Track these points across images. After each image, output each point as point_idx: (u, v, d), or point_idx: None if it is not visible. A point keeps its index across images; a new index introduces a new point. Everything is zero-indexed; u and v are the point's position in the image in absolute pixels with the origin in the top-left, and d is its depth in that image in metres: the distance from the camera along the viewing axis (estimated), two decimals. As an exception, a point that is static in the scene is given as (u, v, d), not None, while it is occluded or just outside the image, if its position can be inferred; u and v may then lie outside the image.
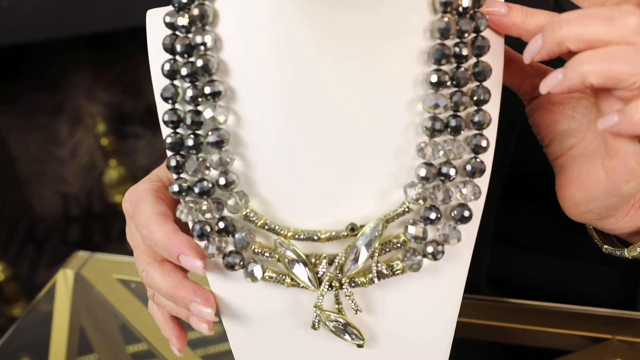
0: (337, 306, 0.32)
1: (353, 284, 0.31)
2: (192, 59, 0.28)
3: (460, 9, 0.28)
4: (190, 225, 0.31)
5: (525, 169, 0.47)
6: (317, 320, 0.32)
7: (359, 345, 0.33)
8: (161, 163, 0.37)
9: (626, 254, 0.36)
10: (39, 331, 0.56)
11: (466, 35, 0.28)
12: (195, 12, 0.28)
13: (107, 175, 1.39)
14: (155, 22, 0.31)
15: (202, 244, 0.31)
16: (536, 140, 0.35)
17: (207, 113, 0.28)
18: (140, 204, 0.33)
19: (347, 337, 0.32)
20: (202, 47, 0.28)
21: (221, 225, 0.30)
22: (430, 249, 0.30)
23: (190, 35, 0.28)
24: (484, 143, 0.30)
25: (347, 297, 0.31)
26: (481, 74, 0.29)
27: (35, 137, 1.62)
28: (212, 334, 0.33)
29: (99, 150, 1.61)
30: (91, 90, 1.59)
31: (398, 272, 0.31)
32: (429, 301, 0.33)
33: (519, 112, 0.45)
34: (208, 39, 0.28)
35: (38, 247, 1.63)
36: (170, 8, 0.29)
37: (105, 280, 0.59)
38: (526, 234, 0.54)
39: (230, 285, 0.33)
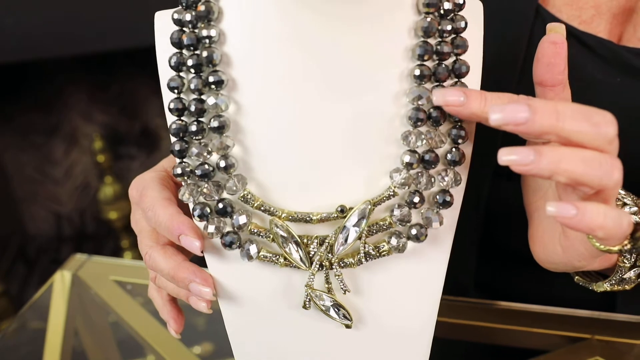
0: (327, 286, 0.34)
1: (342, 265, 0.33)
2: (197, 52, 0.31)
3: (442, 11, 0.31)
4: (191, 206, 0.33)
5: (509, 174, 0.50)
6: (308, 300, 0.34)
7: (347, 326, 0.35)
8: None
9: (594, 288, 0.38)
10: (28, 349, 0.57)
11: (447, 35, 0.31)
12: (202, 8, 0.30)
13: (102, 192, 1.41)
14: (163, 21, 0.34)
15: (202, 224, 0.33)
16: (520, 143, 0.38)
17: (210, 100, 0.31)
18: (146, 190, 0.36)
19: (336, 316, 0.34)
20: (207, 40, 0.31)
21: (220, 206, 0.32)
22: (414, 232, 0.33)
23: (196, 30, 0.31)
24: (462, 133, 0.32)
25: (337, 277, 0.33)
26: (459, 70, 0.32)
27: (31, 156, 1.64)
28: (211, 313, 0.35)
29: (93, 170, 1.62)
30: (87, 110, 1.62)
31: (384, 253, 0.33)
32: (414, 283, 0.35)
33: None
34: (213, 33, 0.31)
35: (28, 266, 1.63)
36: (178, 7, 0.32)
37: (102, 281, 0.60)
38: (511, 240, 0.56)
39: (227, 266, 0.35)
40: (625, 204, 0.35)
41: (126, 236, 1.50)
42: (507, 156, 0.27)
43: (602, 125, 0.27)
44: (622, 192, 0.36)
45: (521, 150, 0.27)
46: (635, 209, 0.35)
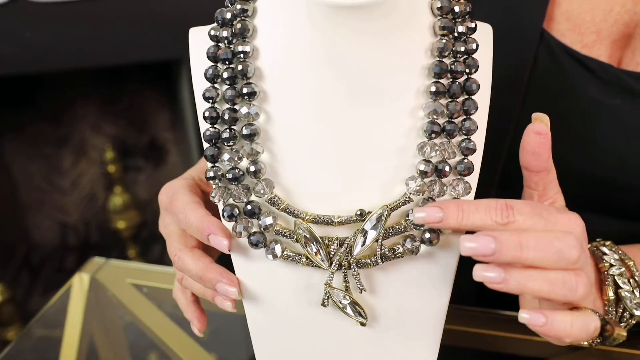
0: (345, 284, 0.36)
1: (360, 265, 0.36)
2: (232, 65, 0.34)
3: (456, 34, 0.34)
4: (221, 208, 0.36)
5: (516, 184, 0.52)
6: (326, 297, 0.36)
7: (362, 324, 0.37)
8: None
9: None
10: (37, 355, 0.58)
11: (460, 55, 0.34)
12: (238, 26, 0.33)
13: (112, 202, 1.44)
14: (197, 37, 0.37)
15: (230, 225, 0.36)
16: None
17: (243, 110, 0.34)
18: (177, 195, 0.38)
19: (352, 313, 0.37)
20: (242, 55, 0.34)
21: (248, 207, 0.35)
22: (427, 235, 0.35)
23: (231, 46, 0.34)
24: (471, 146, 0.35)
25: (354, 277, 0.36)
26: (470, 88, 0.35)
27: (39, 165, 1.66)
28: (235, 312, 0.38)
29: (100, 181, 1.65)
30: (97, 122, 1.65)
31: (399, 255, 0.36)
32: (425, 284, 0.37)
33: (510, 124, 0.51)
34: (248, 48, 0.34)
35: (33, 275, 1.64)
36: (213, 24, 0.35)
37: (119, 284, 0.63)
38: None
39: (252, 265, 0.37)
40: (612, 265, 0.37)
41: (133, 246, 1.52)
42: (480, 272, 0.31)
43: (565, 251, 0.30)
44: (613, 253, 0.38)
45: (493, 269, 0.30)
46: (623, 269, 0.37)
